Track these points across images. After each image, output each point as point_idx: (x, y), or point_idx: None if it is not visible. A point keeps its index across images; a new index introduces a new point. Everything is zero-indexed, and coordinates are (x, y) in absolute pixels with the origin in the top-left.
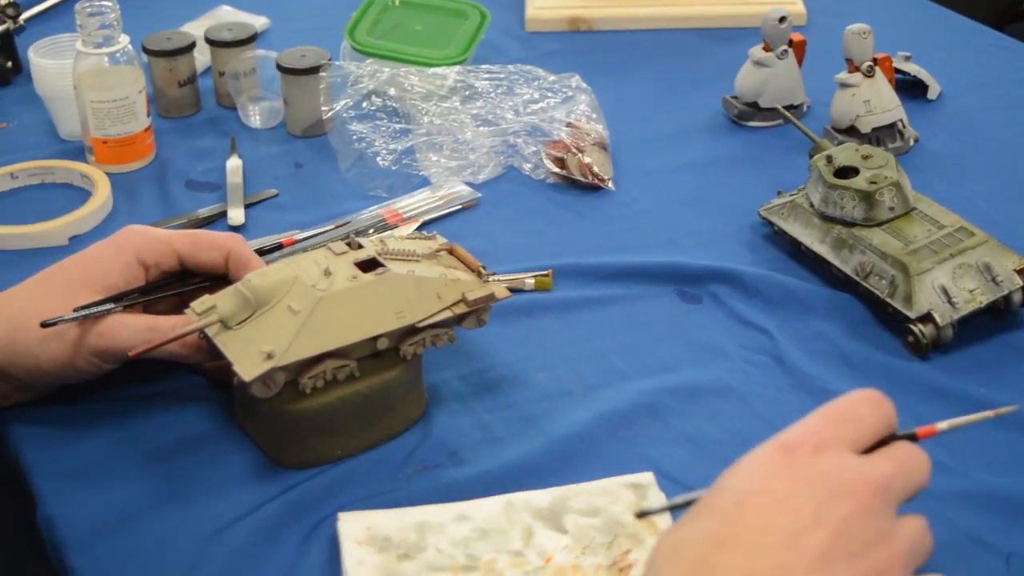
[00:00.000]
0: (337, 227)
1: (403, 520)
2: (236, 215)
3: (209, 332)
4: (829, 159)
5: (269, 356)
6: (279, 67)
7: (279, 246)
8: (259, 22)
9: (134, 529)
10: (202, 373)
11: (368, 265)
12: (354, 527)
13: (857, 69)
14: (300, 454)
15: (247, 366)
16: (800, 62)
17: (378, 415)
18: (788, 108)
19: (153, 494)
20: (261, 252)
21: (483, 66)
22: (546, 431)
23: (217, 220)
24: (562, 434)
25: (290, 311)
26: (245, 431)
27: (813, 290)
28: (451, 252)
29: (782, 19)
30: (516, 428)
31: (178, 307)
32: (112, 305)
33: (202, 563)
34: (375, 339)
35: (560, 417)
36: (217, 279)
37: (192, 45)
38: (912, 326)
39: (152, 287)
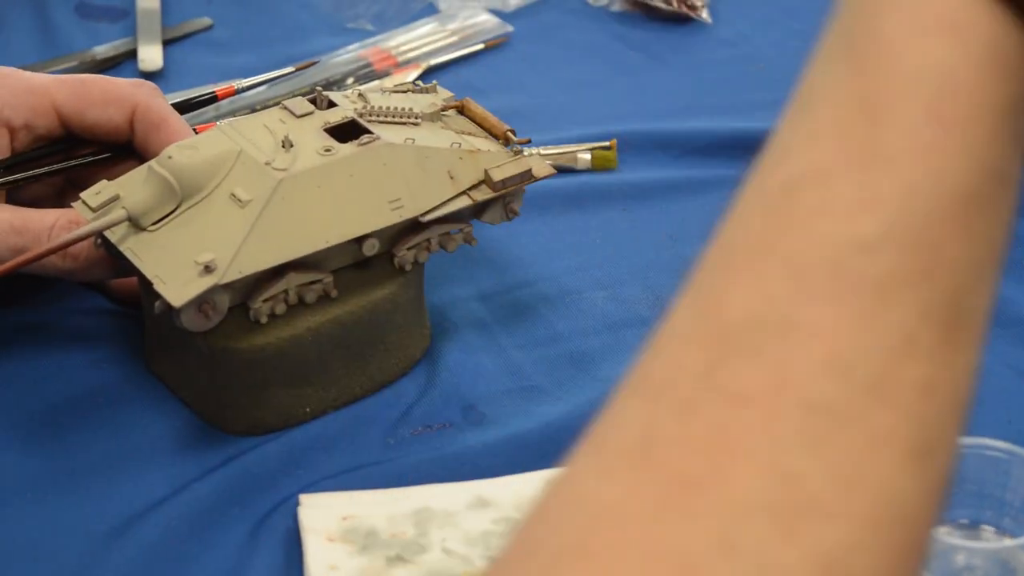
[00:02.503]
0: (298, 69)
1: (395, 506)
2: (150, 55)
3: (111, 236)
4: None
5: (207, 269)
6: None
7: (213, 98)
8: None
9: (4, 518)
10: (103, 292)
11: (345, 131)
12: (323, 516)
13: None
14: (252, 414)
15: (174, 286)
16: None
17: (363, 354)
18: None
19: (33, 471)
20: (184, 108)
21: None
22: (606, 377)
23: (123, 63)
24: None
25: (234, 202)
26: (165, 382)
27: None
28: (462, 111)
29: None
30: (561, 372)
31: (61, 192)
32: None
33: (99, 566)
34: (359, 241)
35: (627, 356)
36: (118, 150)
37: None
38: None
39: (19, 160)
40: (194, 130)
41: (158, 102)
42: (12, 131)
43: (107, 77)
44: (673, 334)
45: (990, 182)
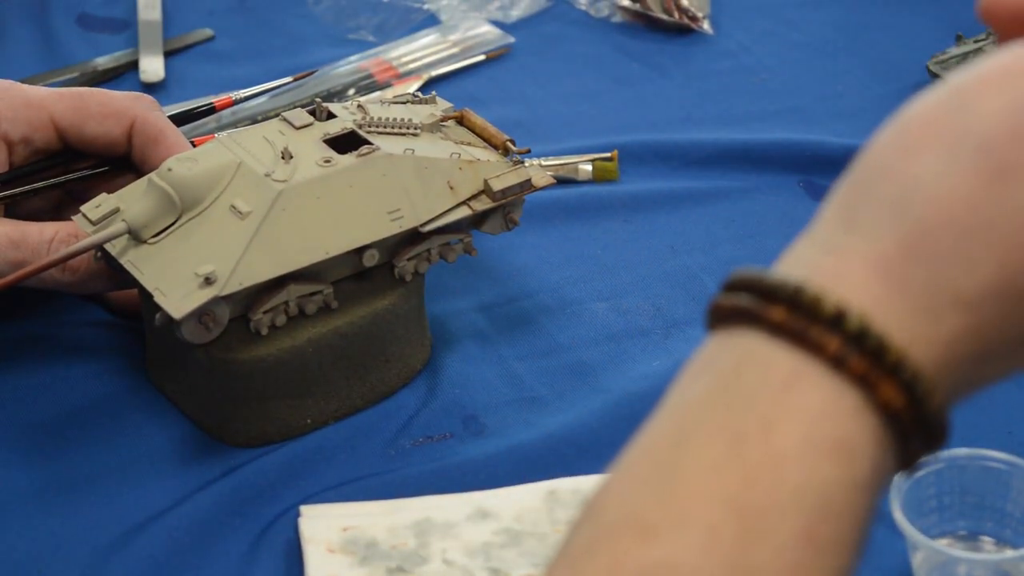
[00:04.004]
0: (296, 79)
1: (396, 517)
2: (152, 66)
3: (111, 249)
4: None
5: (207, 281)
6: None
7: (211, 109)
8: None
9: (7, 530)
10: (103, 304)
11: (345, 142)
12: (324, 527)
13: None
14: (253, 425)
15: (175, 298)
16: None
17: (364, 365)
18: None
19: (34, 483)
20: (181, 120)
21: None
22: (607, 388)
23: (125, 74)
24: (631, 392)
25: (234, 213)
26: (166, 394)
27: None
28: (461, 121)
29: None
30: (563, 383)
31: (60, 205)
32: None
33: None
34: (360, 252)
35: (628, 367)
36: (116, 163)
37: None
38: None
39: (17, 174)
40: (192, 143)
41: (156, 116)
42: (10, 145)
43: (105, 91)
44: None
45: None
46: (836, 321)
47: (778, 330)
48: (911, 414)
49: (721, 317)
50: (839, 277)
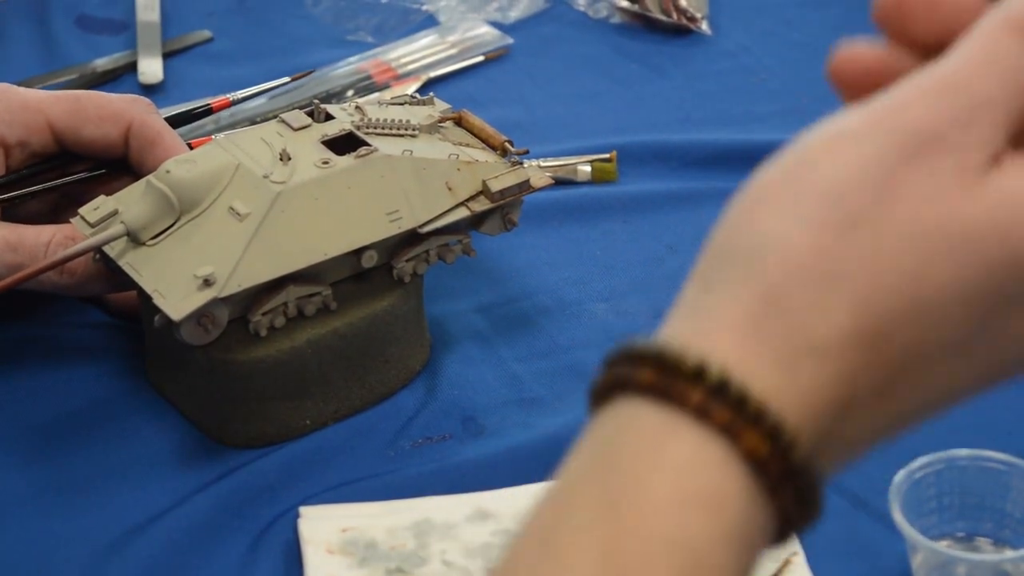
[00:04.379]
0: (294, 79)
1: (395, 518)
2: (150, 68)
3: (110, 251)
4: None
5: (206, 283)
6: None
7: (208, 110)
8: None
9: (6, 532)
10: (101, 307)
11: (343, 144)
12: (323, 528)
13: None
14: (252, 426)
15: (174, 299)
16: None
17: (363, 366)
18: None
19: (33, 485)
20: (179, 121)
21: None
22: None
23: (123, 76)
24: None
25: (233, 215)
26: (165, 395)
27: None
28: (459, 122)
29: None
30: (561, 384)
31: (57, 208)
32: None
33: None
34: (358, 253)
35: None
36: (113, 166)
37: None
38: None
39: (15, 178)
40: (189, 145)
41: (153, 118)
42: (7, 148)
43: (102, 93)
44: None
45: None
46: (698, 374)
47: (647, 390)
48: (778, 464)
49: (601, 393)
50: (700, 335)
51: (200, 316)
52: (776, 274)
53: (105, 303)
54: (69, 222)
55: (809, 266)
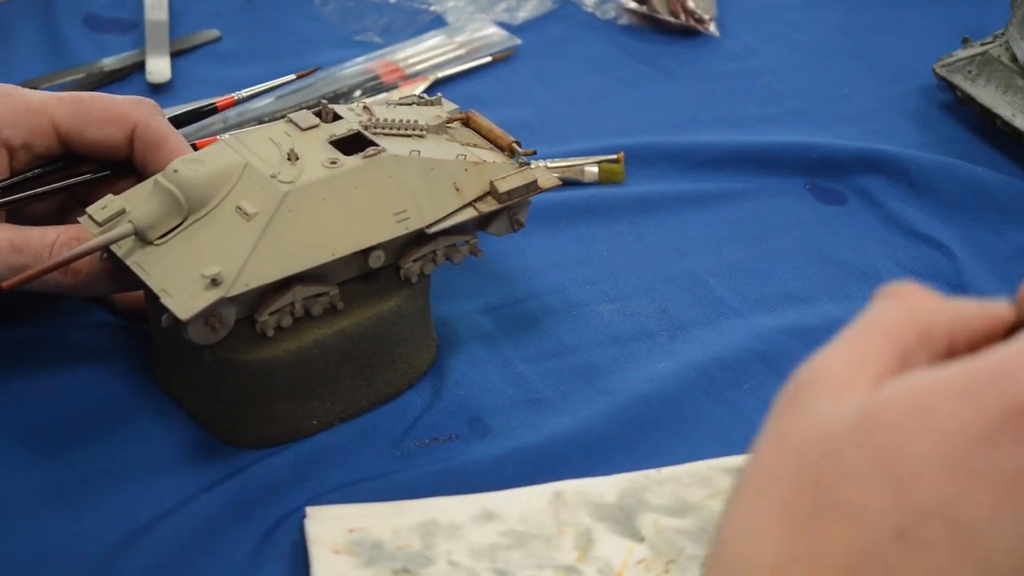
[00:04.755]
0: (299, 77)
1: (402, 518)
2: (158, 67)
3: (117, 250)
4: None
5: (214, 282)
6: None
7: (213, 109)
8: None
9: (10, 535)
10: (106, 305)
11: (351, 144)
12: (329, 528)
13: None
14: (258, 427)
15: (181, 299)
16: None
17: (369, 366)
18: None
19: (36, 487)
20: (185, 120)
21: None
22: (612, 389)
23: (131, 75)
24: (637, 394)
25: (240, 215)
26: (172, 395)
27: (1014, 186)
28: (467, 123)
29: None
30: (568, 385)
31: (62, 210)
32: None
33: None
34: (366, 253)
35: (634, 369)
36: (118, 167)
37: None
38: None
39: (20, 179)
40: (193, 147)
41: (158, 120)
42: (11, 151)
43: (106, 95)
44: None
45: None
46: None
47: None
48: None
49: None
50: None
51: (207, 316)
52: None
53: (111, 303)
54: (76, 222)
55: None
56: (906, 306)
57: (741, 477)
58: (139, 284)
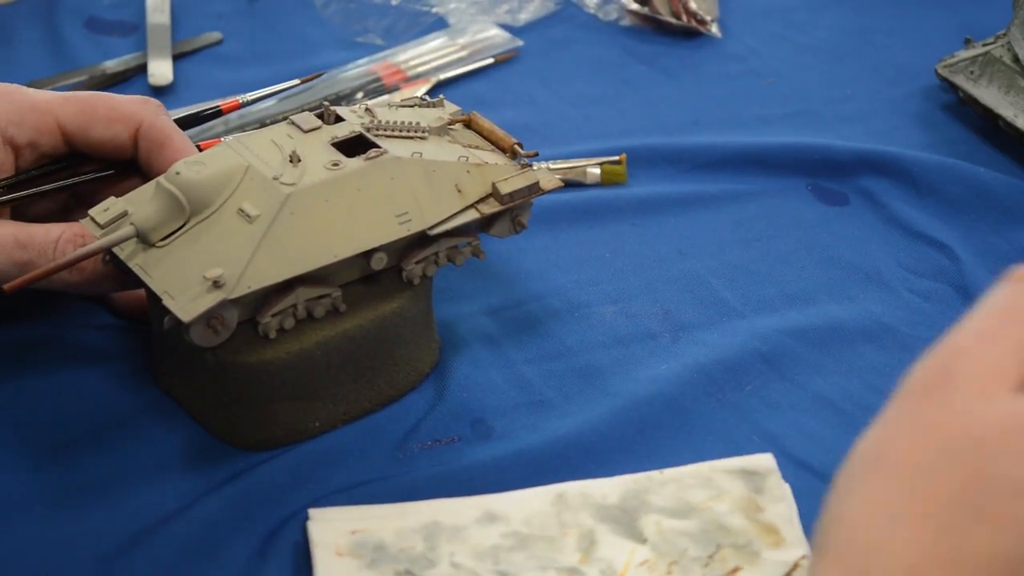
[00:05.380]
0: (304, 81)
1: (404, 520)
2: (160, 70)
3: (120, 253)
4: None
5: (216, 284)
6: None
7: (217, 112)
8: None
9: (11, 537)
10: (107, 306)
11: (353, 146)
12: (332, 530)
13: None
14: (261, 428)
15: (183, 301)
16: None
17: (372, 368)
18: None
19: (37, 488)
20: (189, 123)
21: None
22: (615, 391)
23: (133, 78)
24: (639, 396)
25: (242, 217)
26: (174, 397)
27: (1016, 186)
28: (469, 125)
29: None
30: (570, 386)
31: (66, 208)
32: None
33: None
34: (368, 255)
35: (636, 371)
36: (122, 167)
37: None
38: None
39: (25, 178)
40: (198, 147)
41: (162, 120)
42: (16, 149)
43: (111, 95)
44: None
45: None
46: None
47: None
48: None
49: None
50: None
51: (209, 318)
52: None
53: (112, 304)
54: (78, 222)
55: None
56: None
57: (863, 457)
58: (141, 285)
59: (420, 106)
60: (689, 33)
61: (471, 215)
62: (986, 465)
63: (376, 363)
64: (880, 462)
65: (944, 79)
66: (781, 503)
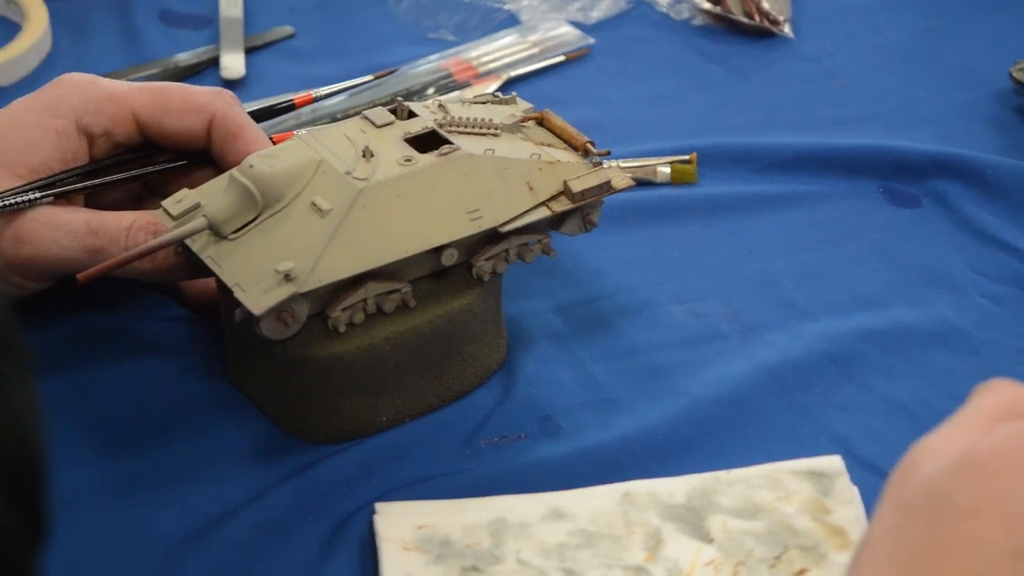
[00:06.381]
0: (377, 77)
1: (471, 516)
2: (233, 63)
3: (192, 244)
4: None
5: (287, 278)
6: None
7: (291, 106)
8: None
9: (82, 526)
10: (178, 298)
11: (425, 141)
12: (398, 525)
13: None
14: (328, 422)
15: (254, 294)
16: None
17: (440, 363)
18: None
19: (108, 479)
20: (262, 116)
21: None
22: (683, 391)
23: (205, 70)
24: (707, 396)
25: (315, 211)
26: (243, 390)
27: None
28: (541, 122)
29: None
30: (638, 385)
31: (139, 198)
32: (38, 194)
33: (176, 572)
34: (439, 251)
35: (704, 371)
36: (195, 157)
37: None
38: None
39: (99, 167)
40: (271, 139)
41: (236, 111)
42: (91, 139)
43: (185, 85)
44: None
45: None
46: None
47: None
48: None
49: None
50: None
51: (280, 311)
52: None
53: (183, 296)
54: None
55: None
56: (1004, 399)
57: (859, 549)
58: (212, 274)
59: (493, 103)
60: (761, 33)
61: (542, 213)
62: (941, 504)
63: (444, 359)
64: (864, 545)
65: (1018, 82)
66: (849, 505)
